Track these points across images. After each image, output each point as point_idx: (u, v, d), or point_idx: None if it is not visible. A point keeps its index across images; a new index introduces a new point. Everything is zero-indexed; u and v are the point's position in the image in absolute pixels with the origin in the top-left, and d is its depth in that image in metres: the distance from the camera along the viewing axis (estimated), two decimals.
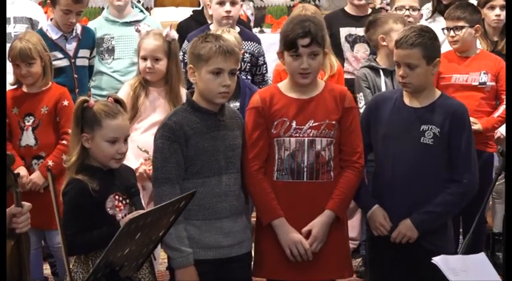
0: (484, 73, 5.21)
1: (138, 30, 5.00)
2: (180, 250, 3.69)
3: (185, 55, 5.06)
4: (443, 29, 5.34)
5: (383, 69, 5.07)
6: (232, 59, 3.75)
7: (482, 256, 3.19)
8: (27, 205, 3.23)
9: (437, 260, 3.08)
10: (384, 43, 5.08)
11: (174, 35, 4.82)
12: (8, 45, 5.41)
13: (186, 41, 5.40)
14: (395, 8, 5.81)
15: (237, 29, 5.56)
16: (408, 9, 5.72)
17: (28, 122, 4.90)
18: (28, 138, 4.89)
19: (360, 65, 5.47)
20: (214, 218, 3.75)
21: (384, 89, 4.99)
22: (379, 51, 5.18)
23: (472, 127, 4.23)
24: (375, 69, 5.10)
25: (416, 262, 3.90)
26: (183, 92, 4.63)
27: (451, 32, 5.22)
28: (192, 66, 3.79)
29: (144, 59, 4.74)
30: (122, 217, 3.63)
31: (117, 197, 3.66)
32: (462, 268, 3.06)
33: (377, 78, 5.08)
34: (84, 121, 3.68)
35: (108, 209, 3.63)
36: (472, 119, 4.92)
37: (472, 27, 5.22)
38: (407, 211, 3.92)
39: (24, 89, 4.96)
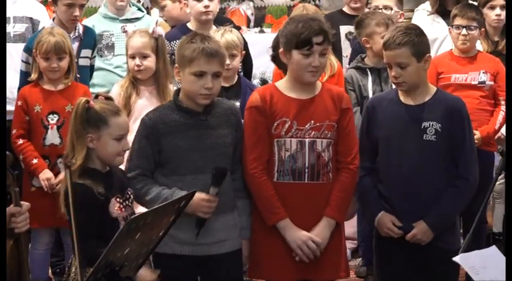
0: (483, 72, 5.22)
1: (125, 31, 4.99)
2: None
3: (172, 56, 5.07)
4: (452, 25, 5.30)
5: (370, 69, 5.06)
6: (216, 61, 3.73)
7: (495, 251, 3.16)
8: (26, 204, 3.22)
9: (457, 259, 3.06)
10: (368, 45, 5.11)
11: (160, 31, 4.82)
12: (8, 45, 5.41)
13: (167, 41, 5.25)
14: (370, 9, 5.81)
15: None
16: (381, 9, 5.69)
17: (52, 120, 4.83)
18: (53, 137, 4.82)
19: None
20: (189, 215, 3.69)
21: (370, 88, 5.00)
22: (367, 50, 5.20)
23: None
24: (362, 69, 5.10)
25: (427, 259, 3.91)
26: (172, 89, 4.60)
27: (463, 30, 5.22)
28: (177, 66, 3.81)
29: (133, 57, 4.74)
30: (124, 218, 3.62)
31: (118, 199, 3.64)
32: (481, 265, 3.04)
33: (364, 78, 5.08)
34: (88, 122, 3.63)
35: (112, 213, 3.60)
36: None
37: (480, 29, 5.25)
38: (417, 209, 3.92)
39: (46, 86, 4.89)
